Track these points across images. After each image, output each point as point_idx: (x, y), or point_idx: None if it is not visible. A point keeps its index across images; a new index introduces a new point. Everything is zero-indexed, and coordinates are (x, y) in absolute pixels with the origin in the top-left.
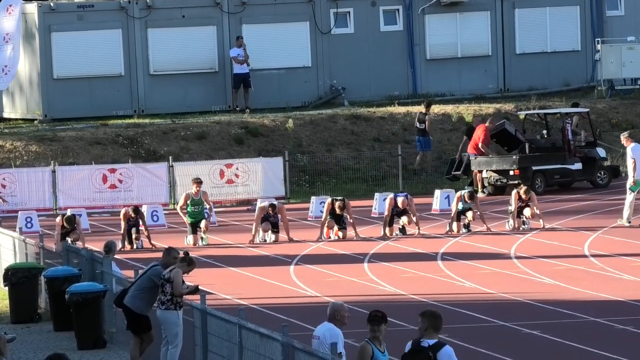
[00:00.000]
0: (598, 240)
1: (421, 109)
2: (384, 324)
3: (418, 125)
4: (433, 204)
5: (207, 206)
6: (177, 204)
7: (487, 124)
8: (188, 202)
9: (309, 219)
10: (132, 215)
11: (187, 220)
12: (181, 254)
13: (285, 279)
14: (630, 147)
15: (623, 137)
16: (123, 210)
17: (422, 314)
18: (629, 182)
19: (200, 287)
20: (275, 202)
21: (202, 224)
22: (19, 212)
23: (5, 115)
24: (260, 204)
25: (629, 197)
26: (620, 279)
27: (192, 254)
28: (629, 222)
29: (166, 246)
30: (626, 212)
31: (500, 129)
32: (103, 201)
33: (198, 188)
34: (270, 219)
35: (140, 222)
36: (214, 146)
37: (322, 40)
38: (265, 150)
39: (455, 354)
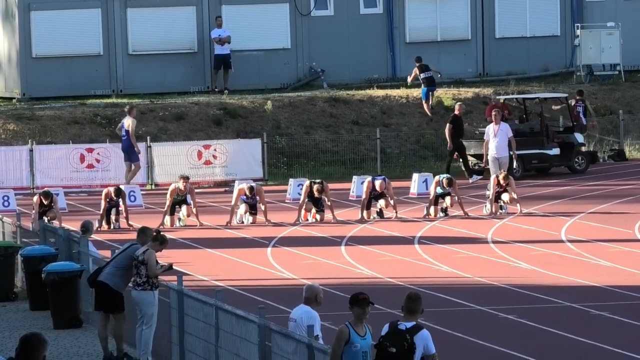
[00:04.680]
0: (575, 225)
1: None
2: (355, 306)
3: (423, 74)
4: (411, 187)
5: (192, 202)
6: (155, 184)
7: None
8: (174, 196)
9: (286, 201)
10: (114, 197)
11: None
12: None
13: (263, 261)
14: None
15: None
16: (105, 190)
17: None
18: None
19: (176, 268)
20: (253, 184)
21: (184, 208)
22: None
23: None
24: (238, 185)
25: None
26: (596, 264)
27: (169, 235)
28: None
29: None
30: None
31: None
32: (80, 181)
33: (185, 183)
34: (248, 201)
35: (121, 203)
36: (192, 127)
37: (301, 22)
38: (243, 132)
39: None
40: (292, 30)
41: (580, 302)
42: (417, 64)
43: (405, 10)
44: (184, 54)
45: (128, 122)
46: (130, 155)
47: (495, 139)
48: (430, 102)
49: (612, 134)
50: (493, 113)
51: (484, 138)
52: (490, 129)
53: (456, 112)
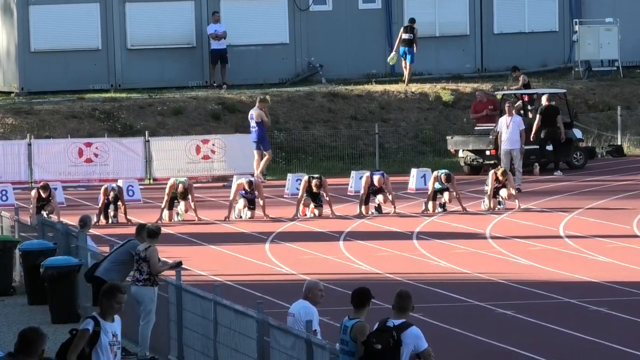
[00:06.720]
0: (573, 221)
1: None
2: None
3: (405, 35)
4: (409, 182)
5: (190, 197)
6: (153, 179)
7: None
8: (172, 191)
9: (285, 196)
10: (112, 197)
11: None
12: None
13: (261, 256)
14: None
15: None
16: (105, 186)
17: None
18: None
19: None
20: (252, 179)
21: (182, 203)
22: None
23: None
24: (237, 180)
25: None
26: (594, 260)
27: (167, 230)
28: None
29: (141, 221)
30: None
31: None
32: (79, 175)
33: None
34: (247, 196)
35: (119, 199)
36: (190, 122)
37: (300, 17)
38: (242, 127)
39: (425, 333)
40: (290, 26)
41: (578, 297)
42: (408, 24)
43: (404, 6)
44: (182, 49)
45: (256, 113)
46: (262, 144)
47: (508, 131)
48: (407, 76)
49: (610, 129)
50: (506, 105)
51: (497, 130)
52: (503, 121)
53: (544, 102)
